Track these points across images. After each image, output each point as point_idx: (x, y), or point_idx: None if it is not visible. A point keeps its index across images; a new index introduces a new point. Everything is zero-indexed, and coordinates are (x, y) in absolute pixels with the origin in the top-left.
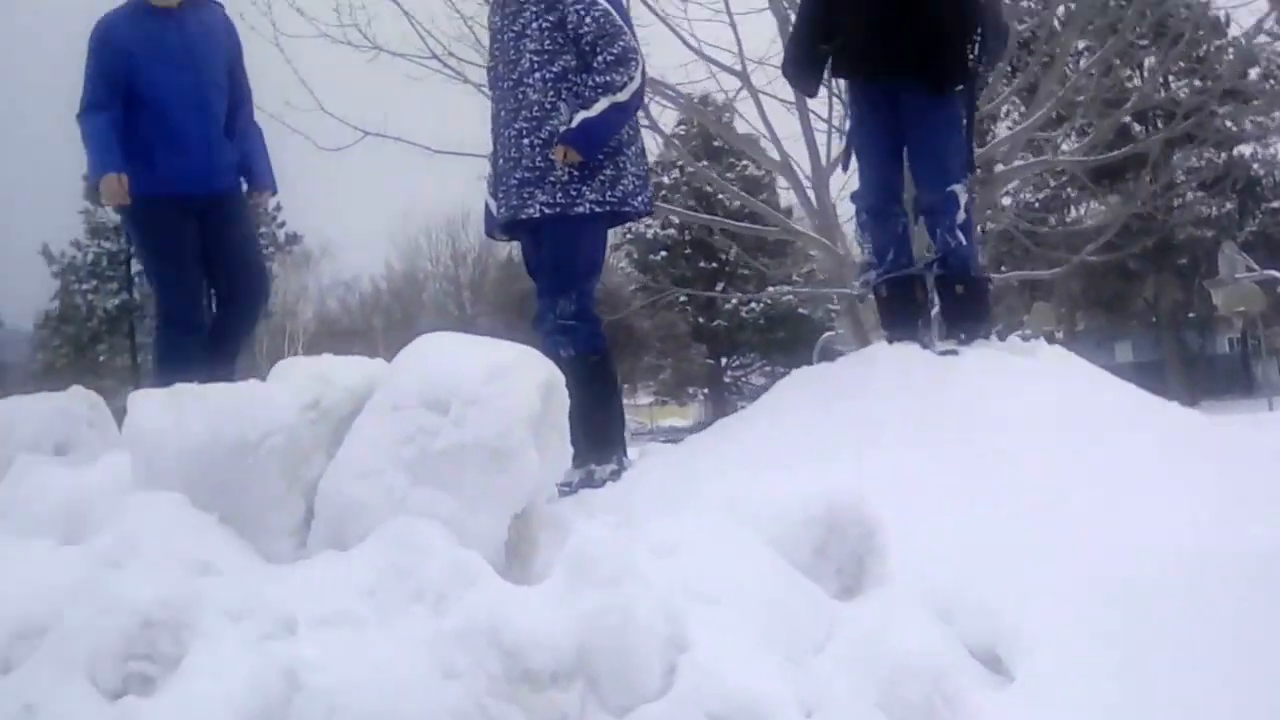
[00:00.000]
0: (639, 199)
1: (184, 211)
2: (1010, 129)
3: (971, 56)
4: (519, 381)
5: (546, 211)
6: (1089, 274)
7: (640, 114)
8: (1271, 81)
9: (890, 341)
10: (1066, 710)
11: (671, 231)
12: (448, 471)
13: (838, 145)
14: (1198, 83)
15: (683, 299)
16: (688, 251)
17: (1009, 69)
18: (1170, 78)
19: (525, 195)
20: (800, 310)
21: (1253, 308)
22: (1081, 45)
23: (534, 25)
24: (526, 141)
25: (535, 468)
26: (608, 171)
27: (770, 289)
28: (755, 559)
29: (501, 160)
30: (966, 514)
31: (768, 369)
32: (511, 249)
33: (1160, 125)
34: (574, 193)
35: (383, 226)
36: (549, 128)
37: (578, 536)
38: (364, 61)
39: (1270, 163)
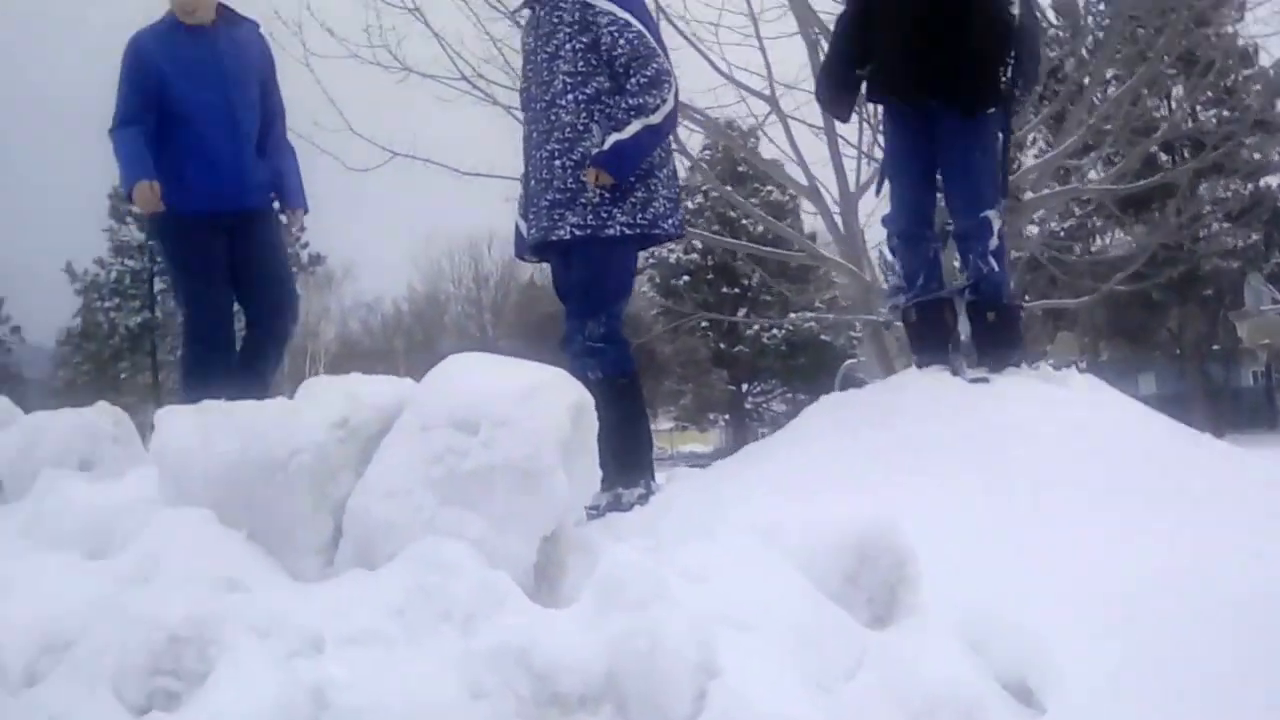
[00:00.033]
0: (670, 221)
1: (214, 228)
2: (1037, 157)
3: (1005, 79)
4: (549, 403)
5: (577, 233)
6: (1113, 304)
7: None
8: None
9: (919, 366)
10: None
11: (694, 256)
12: (477, 492)
13: (867, 171)
14: (1226, 113)
15: (704, 324)
16: (710, 277)
17: (1037, 97)
18: (1198, 107)
19: (556, 217)
20: (822, 337)
21: (1278, 340)
22: (1109, 74)
23: (567, 47)
24: (558, 163)
25: (564, 490)
26: (639, 194)
27: (793, 315)
28: (786, 585)
29: (533, 182)
30: (999, 543)
31: (789, 395)
32: (533, 272)
33: (1187, 155)
34: (605, 215)
35: (405, 248)
36: (581, 149)
37: (608, 559)
38: (393, 82)
39: None
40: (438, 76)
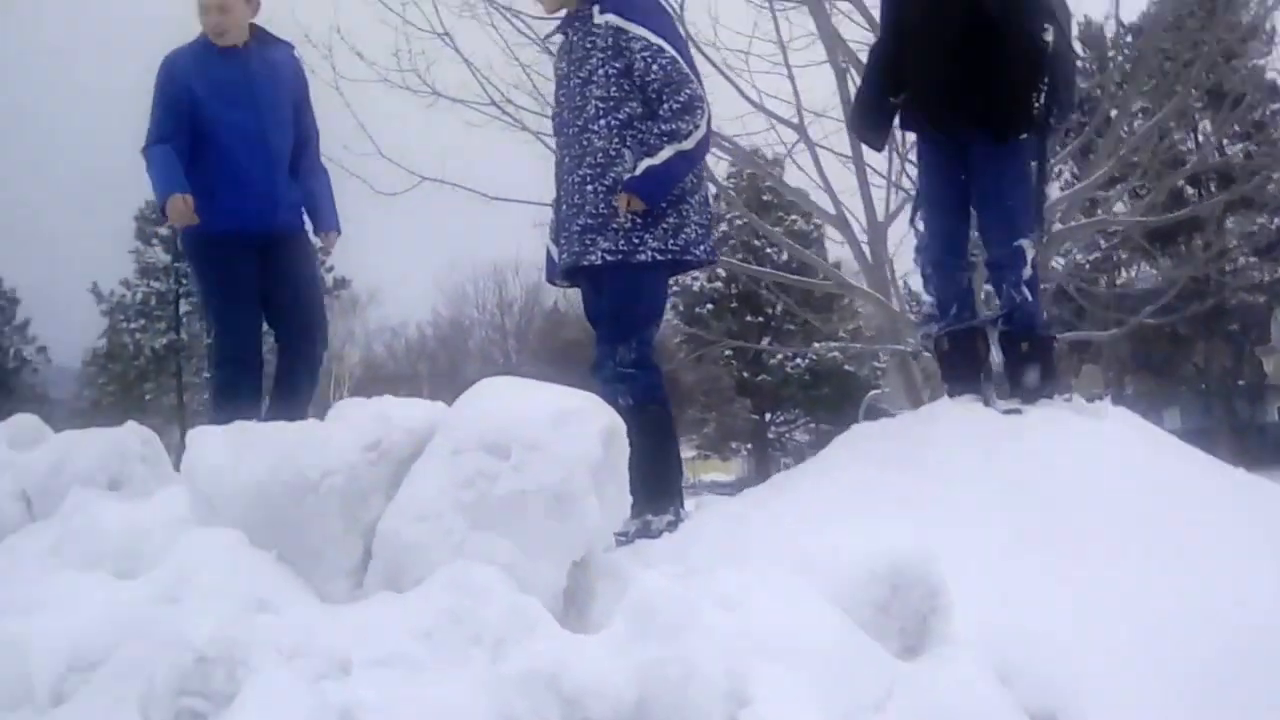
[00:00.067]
0: (701, 248)
1: (244, 249)
2: (1063, 189)
3: (1038, 105)
4: (581, 427)
5: (608, 258)
6: (1138, 338)
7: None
8: None
9: (951, 396)
10: None
11: (718, 284)
12: (507, 517)
13: (895, 200)
14: (1254, 147)
15: (728, 353)
16: (734, 305)
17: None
18: (1226, 141)
19: (587, 242)
20: (846, 367)
21: None
22: (1136, 107)
23: (600, 71)
24: (590, 188)
25: (596, 515)
26: (670, 219)
27: (817, 345)
28: (817, 614)
29: (564, 206)
30: (1030, 575)
31: (812, 425)
32: (556, 299)
33: (1214, 189)
34: (636, 240)
35: (429, 273)
36: (613, 174)
37: (640, 586)
38: (422, 107)
39: None
40: (466, 101)
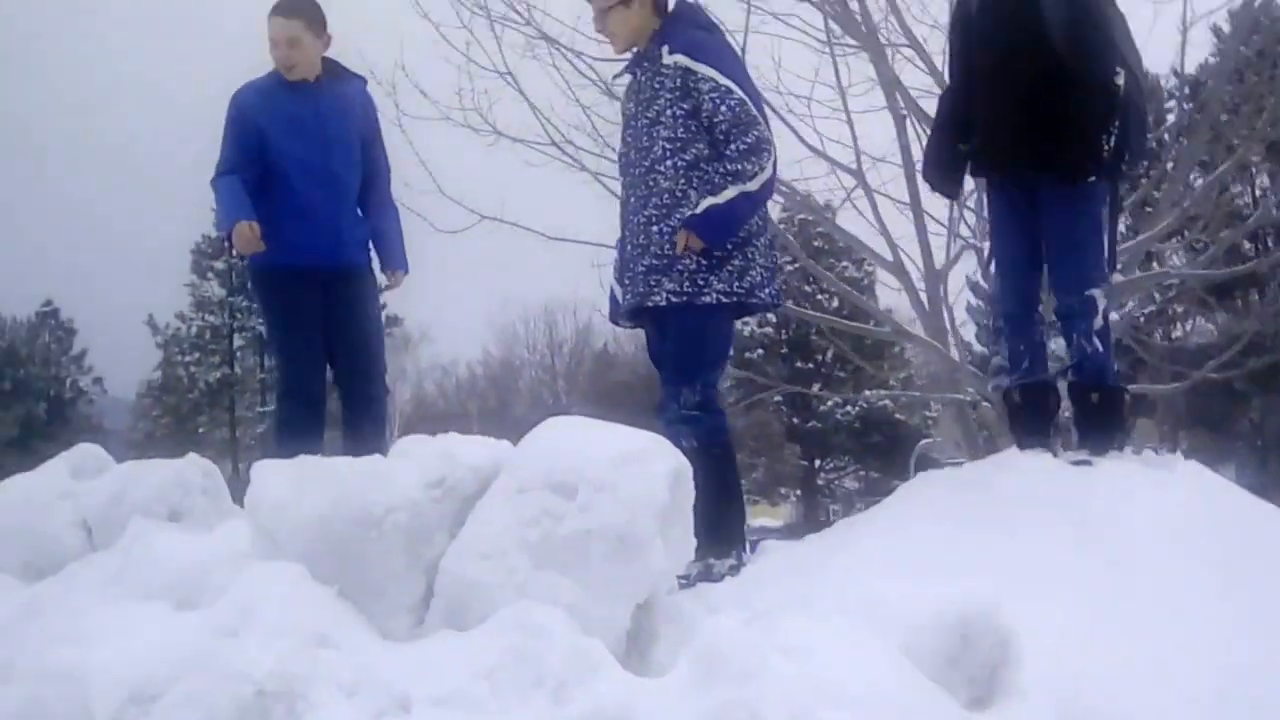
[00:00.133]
0: (766, 290)
1: (310, 283)
2: (1121, 241)
3: (1108, 147)
4: (647, 469)
5: (673, 300)
6: (1194, 392)
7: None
8: None
9: (1020, 449)
10: None
11: (768, 330)
12: (572, 557)
13: (955, 247)
14: None
15: (778, 398)
16: (784, 350)
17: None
18: None
19: (652, 283)
20: (896, 415)
21: None
22: (1196, 159)
23: (668, 112)
24: (655, 229)
25: (661, 558)
26: (736, 262)
27: (868, 392)
28: (886, 664)
29: (629, 246)
30: (1101, 627)
31: (861, 473)
32: (606, 340)
33: (1272, 243)
34: (701, 282)
35: (481, 312)
36: (679, 215)
37: (708, 630)
38: (483, 146)
39: None
40: (527, 141)
